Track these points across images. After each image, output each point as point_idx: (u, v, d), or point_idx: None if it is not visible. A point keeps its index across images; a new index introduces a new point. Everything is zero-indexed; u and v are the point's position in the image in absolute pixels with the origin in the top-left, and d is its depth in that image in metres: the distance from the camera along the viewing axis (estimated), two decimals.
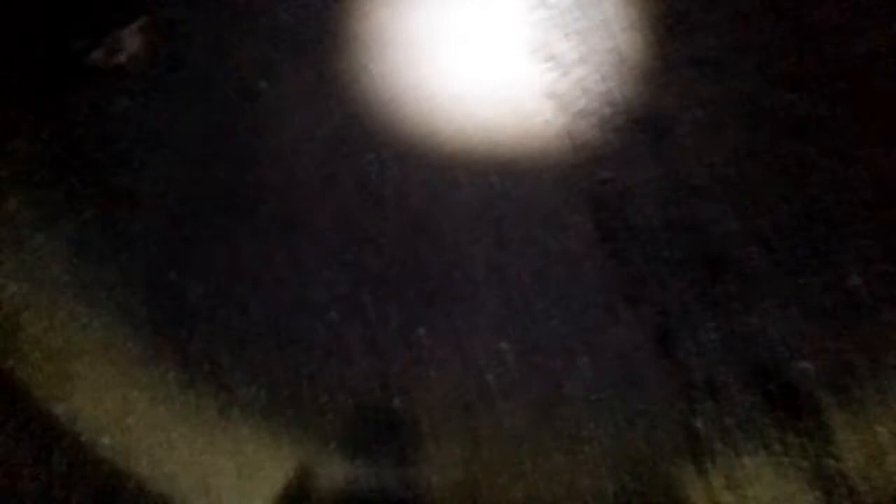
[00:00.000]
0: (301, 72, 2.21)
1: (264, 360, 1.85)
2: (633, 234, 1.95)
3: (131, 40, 2.16)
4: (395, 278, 1.92)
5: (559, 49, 2.29)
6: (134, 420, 1.82)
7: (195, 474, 1.77)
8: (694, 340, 1.82)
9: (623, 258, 1.92)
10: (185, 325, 1.88)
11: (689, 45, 2.27)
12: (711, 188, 1.98)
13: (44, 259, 1.98)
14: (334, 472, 1.76)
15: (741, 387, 1.77)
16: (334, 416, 1.81)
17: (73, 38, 2.21)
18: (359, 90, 2.17)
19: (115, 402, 1.83)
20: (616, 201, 1.99)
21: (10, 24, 2.35)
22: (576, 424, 1.77)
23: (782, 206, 1.93)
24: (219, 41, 2.30)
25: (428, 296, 1.89)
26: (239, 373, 1.84)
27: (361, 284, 1.92)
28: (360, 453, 1.79)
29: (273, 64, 2.23)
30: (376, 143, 2.11)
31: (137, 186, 2.04)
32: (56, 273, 1.96)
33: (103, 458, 1.78)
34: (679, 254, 1.91)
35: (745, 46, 2.25)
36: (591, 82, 2.18)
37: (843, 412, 1.73)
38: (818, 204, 1.93)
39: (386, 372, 1.83)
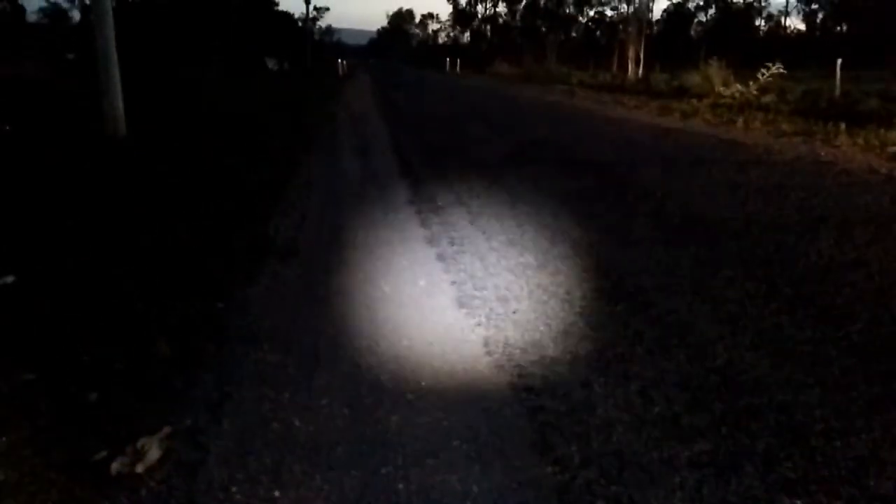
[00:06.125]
0: (315, 481, 2.23)
1: None
2: None
3: (151, 450, 2.21)
4: None
5: (564, 450, 2.37)
6: None
7: None
8: None
9: None
10: None
11: (687, 448, 2.39)
12: None
13: None
14: None
15: None
16: None
17: (96, 448, 2.26)
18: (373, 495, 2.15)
19: None
20: None
21: (35, 429, 2.43)
22: None
23: None
24: (238, 449, 2.35)
25: None
26: None
27: None
28: None
29: (286, 471, 2.25)
30: None
31: None
32: None
33: None
34: None
35: (742, 449, 2.38)
36: (598, 486, 2.21)
37: None
38: None
39: None
